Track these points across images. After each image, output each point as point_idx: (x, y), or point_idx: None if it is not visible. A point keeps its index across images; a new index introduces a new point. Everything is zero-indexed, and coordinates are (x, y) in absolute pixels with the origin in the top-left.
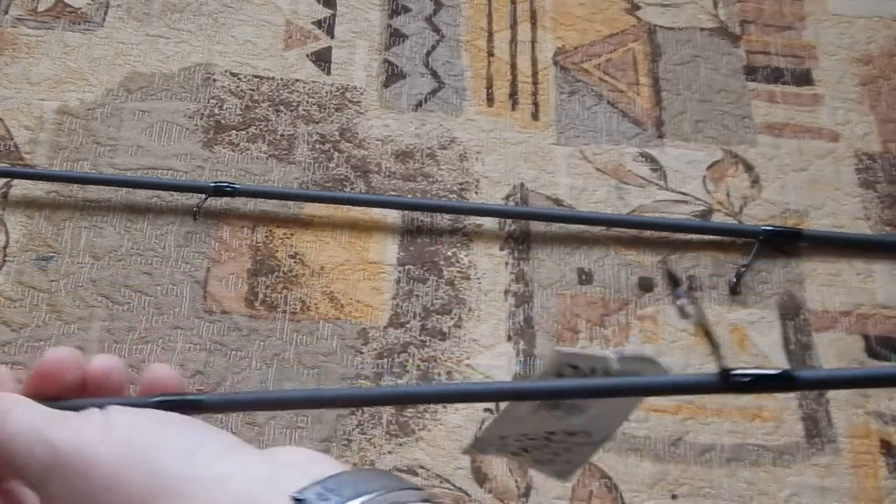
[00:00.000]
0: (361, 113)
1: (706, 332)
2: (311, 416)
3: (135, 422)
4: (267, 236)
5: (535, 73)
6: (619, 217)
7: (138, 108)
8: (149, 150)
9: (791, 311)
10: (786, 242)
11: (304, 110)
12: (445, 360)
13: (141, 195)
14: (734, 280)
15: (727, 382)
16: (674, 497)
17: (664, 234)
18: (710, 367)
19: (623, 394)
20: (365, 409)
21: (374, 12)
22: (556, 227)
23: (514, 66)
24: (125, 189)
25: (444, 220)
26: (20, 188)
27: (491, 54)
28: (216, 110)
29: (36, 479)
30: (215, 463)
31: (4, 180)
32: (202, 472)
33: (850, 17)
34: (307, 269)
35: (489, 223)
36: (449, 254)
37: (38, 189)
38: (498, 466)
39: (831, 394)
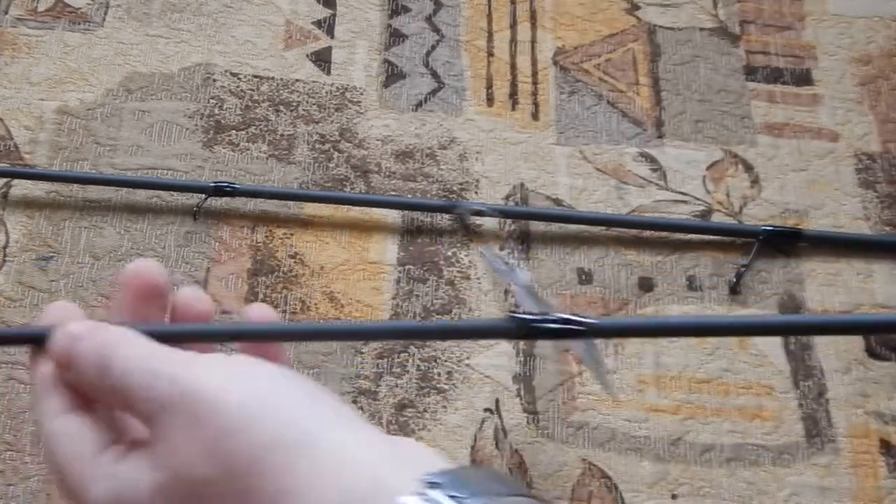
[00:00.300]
0: (361, 113)
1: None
2: None
3: (263, 372)
4: (267, 236)
5: (535, 73)
6: (619, 217)
7: (138, 108)
8: (149, 150)
9: (791, 311)
10: (785, 242)
11: (304, 110)
12: (445, 360)
13: (141, 195)
14: (734, 280)
15: (525, 328)
16: (674, 497)
17: (664, 234)
18: (710, 367)
19: (430, 337)
20: (364, 409)
21: (374, 12)
22: (556, 227)
23: (513, 66)
24: (125, 189)
25: (444, 220)
26: (20, 188)
27: (491, 54)
28: (216, 110)
29: (151, 413)
30: (336, 429)
31: (4, 180)
32: (324, 435)
33: (850, 17)
34: (307, 269)
35: (489, 223)
36: (449, 254)
37: (38, 189)
38: (497, 466)
39: (831, 394)
